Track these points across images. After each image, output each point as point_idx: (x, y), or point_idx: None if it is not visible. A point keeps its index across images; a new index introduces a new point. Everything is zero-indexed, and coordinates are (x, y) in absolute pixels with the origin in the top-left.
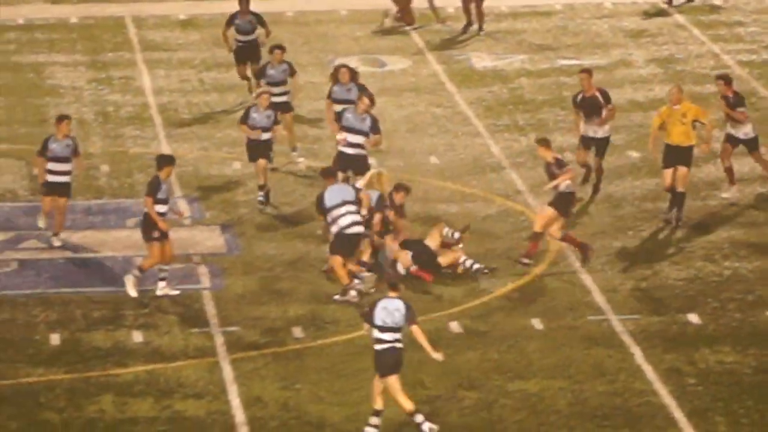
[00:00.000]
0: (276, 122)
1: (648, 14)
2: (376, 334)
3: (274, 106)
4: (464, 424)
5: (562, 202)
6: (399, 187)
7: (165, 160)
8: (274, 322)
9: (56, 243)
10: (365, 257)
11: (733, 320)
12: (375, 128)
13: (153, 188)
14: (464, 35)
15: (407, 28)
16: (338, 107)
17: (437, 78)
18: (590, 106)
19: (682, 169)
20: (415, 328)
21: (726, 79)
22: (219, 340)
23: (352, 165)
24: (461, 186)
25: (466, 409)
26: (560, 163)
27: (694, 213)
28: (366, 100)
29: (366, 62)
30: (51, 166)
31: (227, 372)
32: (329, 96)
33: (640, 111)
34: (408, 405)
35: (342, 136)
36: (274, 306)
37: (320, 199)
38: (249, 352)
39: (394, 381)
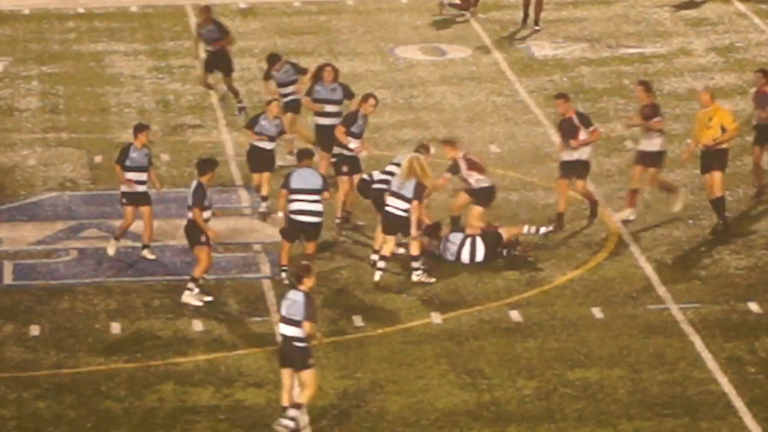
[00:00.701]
0: (283, 132)
1: (708, 2)
2: (280, 325)
3: (284, 106)
4: (523, 412)
5: (481, 197)
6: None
7: (208, 165)
8: (335, 311)
9: (150, 256)
10: (413, 249)
11: None
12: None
13: (199, 198)
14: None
15: (464, 13)
16: (322, 108)
17: (497, 67)
18: (566, 129)
19: (714, 174)
20: (306, 325)
21: (646, 86)
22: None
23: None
24: (521, 175)
25: (525, 397)
26: (471, 162)
27: (754, 201)
28: (372, 101)
29: (426, 51)
30: (131, 176)
31: None
32: (309, 94)
33: None
34: (285, 401)
35: (355, 145)
36: (334, 295)
37: (287, 178)
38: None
39: (284, 374)
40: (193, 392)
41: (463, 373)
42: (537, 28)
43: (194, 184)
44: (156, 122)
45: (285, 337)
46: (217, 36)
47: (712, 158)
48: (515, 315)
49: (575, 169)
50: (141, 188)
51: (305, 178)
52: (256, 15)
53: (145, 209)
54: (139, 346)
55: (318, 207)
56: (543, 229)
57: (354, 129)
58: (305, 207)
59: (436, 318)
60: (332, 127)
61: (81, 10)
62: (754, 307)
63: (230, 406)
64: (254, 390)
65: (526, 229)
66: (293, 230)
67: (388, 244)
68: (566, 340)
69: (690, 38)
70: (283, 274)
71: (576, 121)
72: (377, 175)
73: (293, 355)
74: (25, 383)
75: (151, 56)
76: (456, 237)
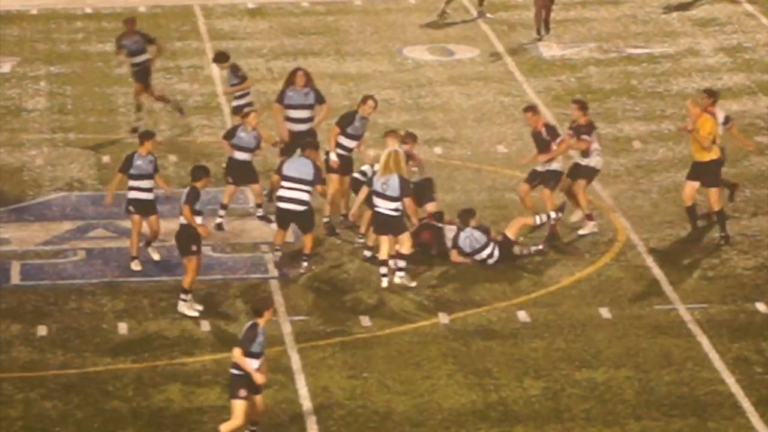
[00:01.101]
0: (260, 144)
1: (716, 3)
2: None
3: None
4: (530, 413)
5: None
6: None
7: (202, 171)
8: (342, 311)
9: (156, 256)
10: (404, 248)
11: None
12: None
13: (193, 197)
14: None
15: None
16: (295, 112)
17: (505, 67)
18: (538, 143)
19: (688, 185)
20: (235, 350)
21: (581, 104)
22: (286, 329)
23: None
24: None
25: (532, 398)
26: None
27: (762, 202)
28: (371, 102)
29: (434, 51)
30: (136, 183)
31: (295, 360)
32: (281, 100)
33: None
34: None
35: (335, 157)
36: (342, 295)
37: (280, 165)
38: (316, 341)
39: (235, 404)
40: (200, 392)
41: (471, 373)
42: (544, 34)
43: (188, 188)
44: (164, 122)
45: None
46: (141, 47)
47: (699, 170)
48: (522, 315)
49: (544, 178)
50: (146, 196)
51: (297, 166)
52: (264, 15)
53: (152, 218)
54: (146, 346)
55: (302, 196)
56: (553, 215)
57: (350, 130)
58: (289, 195)
59: (444, 318)
60: (305, 133)
61: (89, 11)
62: (761, 307)
63: None
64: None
65: (535, 220)
66: (280, 217)
67: (383, 247)
68: (574, 340)
69: (698, 38)
70: (277, 254)
71: (544, 134)
72: (369, 171)
73: (237, 384)
74: (32, 383)
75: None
76: (481, 237)
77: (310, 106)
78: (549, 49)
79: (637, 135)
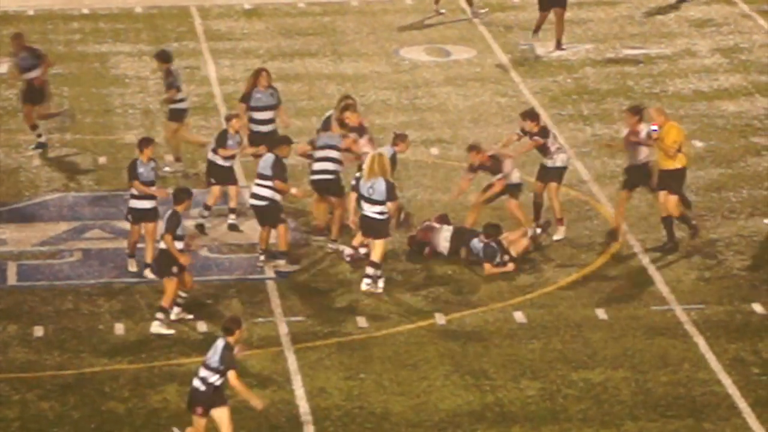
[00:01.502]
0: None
1: (713, 3)
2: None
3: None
4: (527, 413)
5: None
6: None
7: (184, 194)
8: (338, 312)
9: (151, 275)
10: (375, 255)
11: None
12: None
13: (174, 224)
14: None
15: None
16: (260, 114)
17: (502, 68)
18: (489, 170)
19: (661, 194)
20: (230, 374)
21: (531, 115)
22: (283, 330)
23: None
24: (525, 176)
25: (529, 398)
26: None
27: (759, 203)
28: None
29: (431, 52)
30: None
31: (291, 362)
32: (247, 101)
33: (705, 101)
34: None
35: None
36: (338, 295)
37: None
38: (313, 342)
39: (196, 420)
40: None
41: (467, 374)
42: (563, 48)
43: (169, 212)
44: (160, 123)
45: (198, 380)
46: (31, 63)
47: (662, 177)
48: (519, 316)
49: (508, 190)
50: (150, 204)
51: (262, 162)
52: (260, 16)
53: (149, 226)
54: (143, 347)
55: (263, 191)
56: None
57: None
58: (253, 190)
59: (440, 319)
60: (271, 133)
61: (85, 11)
62: (758, 308)
63: (234, 407)
64: (258, 391)
65: (530, 233)
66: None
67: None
68: (570, 341)
69: (694, 39)
70: (260, 257)
71: (489, 165)
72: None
73: (198, 399)
74: (29, 384)
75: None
76: (477, 245)
77: (274, 107)
78: (545, 50)
79: None
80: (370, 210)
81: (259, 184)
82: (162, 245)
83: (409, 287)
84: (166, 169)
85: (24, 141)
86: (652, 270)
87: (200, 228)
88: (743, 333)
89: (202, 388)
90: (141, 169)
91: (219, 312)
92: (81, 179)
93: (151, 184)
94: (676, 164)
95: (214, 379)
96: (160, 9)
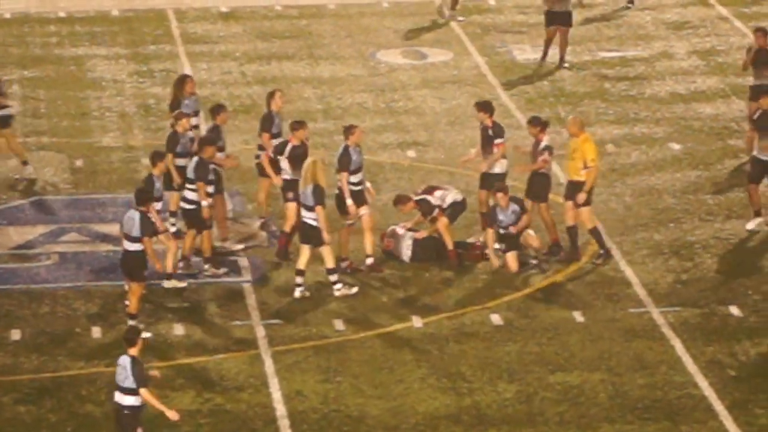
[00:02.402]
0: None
1: (690, 6)
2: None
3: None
4: (504, 416)
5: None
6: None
7: (147, 195)
8: (315, 315)
9: (180, 284)
10: (327, 263)
11: None
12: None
13: (148, 227)
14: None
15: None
16: (191, 120)
17: (479, 70)
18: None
19: (567, 204)
20: (142, 391)
21: (485, 107)
22: (260, 333)
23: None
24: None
25: (506, 401)
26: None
27: (736, 205)
28: (279, 94)
29: (407, 55)
30: (158, 206)
31: (268, 365)
32: (175, 107)
33: (682, 103)
34: None
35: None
36: (315, 299)
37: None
38: (290, 345)
39: None
40: (173, 396)
41: (444, 377)
42: (565, 65)
43: (137, 215)
44: (137, 126)
45: (116, 404)
46: None
47: (570, 188)
48: (496, 319)
49: (447, 213)
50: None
51: (189, 166)
52: (237, 19)
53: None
54: (119, 350)
55: (188, 194)
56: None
57: (274, 130)
58: (183, 194)
59: (417, 322)
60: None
61: (62, 14)
62: (734, 310)
63: (211, 410)
64: (235, 394)
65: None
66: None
67: (302, 257)
68: (547, 343)
69: (671, 42)
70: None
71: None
72: None
73: (123, 423)
74: (5, 387)
75: (132, 60)
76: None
77: (197, 113)
78: (522, 53)
79: (610, 138)
80: (307, 216)
81: (188, 188)
82: (130, 246)
83: (386, 290)
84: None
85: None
86: (629, 273)
87: (178, 233)
88: (720, 335)
89: (126, 411)
90: (158, 185)
91: (196, 315)
92: (58, 182)
93: (159, 199)
94: (581, 177)
95: (132, 400)
96: (137, 12)
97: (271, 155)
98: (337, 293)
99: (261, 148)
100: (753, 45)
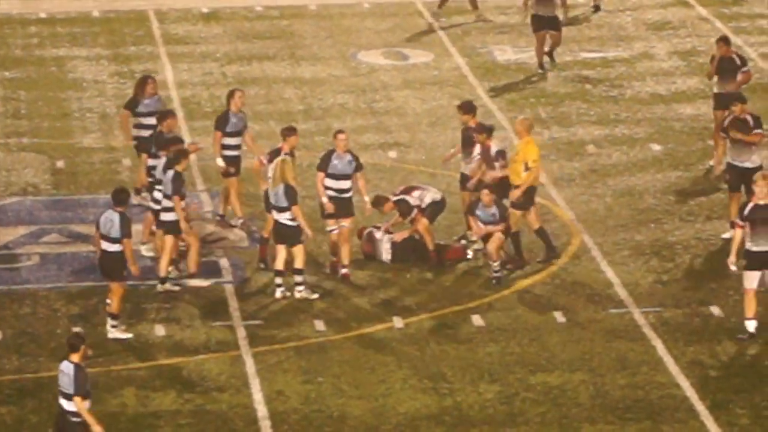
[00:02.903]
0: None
1: (670, 7)
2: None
3: None
4: (485, 417)
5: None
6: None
7: (125, 195)
8: (296, 316)
9: (204, 284)
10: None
11: None
12: None
13: (127, 227)
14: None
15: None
16: (147, 120)
17: (460, 71)
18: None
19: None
20: (76, 400)
21: (468, 109)
22: (241, 334)
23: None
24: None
25: (487, 402)
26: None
27: (717, 206)
28: (239, 94)
29: (389, 56)
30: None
31: (249, 365)
32: (132, 107)
33: (662, 104)
34: None
35: (221, 162)
36: (296, 299)
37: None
38: (271, 346)
39: None
40: (155, 397)
41: (425, 377)
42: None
43: (116, 216)
44: (118, 127)
45: (61, 409)
46: None
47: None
48: (477, 319)
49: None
50: (171, 216)
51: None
52: (218, 20)
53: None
54: (100, 350)
55: (165, 202)
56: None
57: (229, 129)
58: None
59: (398, 323)
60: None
61: (43, 15)
62: (715, 310)
63: (192, 411)
64: (216, 394)
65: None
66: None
67: (279, 257)
68: (528, 344)
69: (652, 42)
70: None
71: (398, 209)
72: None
73: (69, 429)
74: None
75: (113, 61)
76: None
77: (153, 114)
78: (503, 53)
79: (591, 139)
80: (281, 217)
81: (158, 190)
82: (109, 247)
83: (367, 291)
84: None
85: None
86: (610, 273)
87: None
88: (701, 336)
89: (72, 417)
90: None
91: (177, 316)
92: (39, 183)
93: (168, 198)
94: (519, 180)
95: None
96: (118, 13)
97: (264, 161)
98: (297, 294)
99: (225, 147)
100: (716, 53)
